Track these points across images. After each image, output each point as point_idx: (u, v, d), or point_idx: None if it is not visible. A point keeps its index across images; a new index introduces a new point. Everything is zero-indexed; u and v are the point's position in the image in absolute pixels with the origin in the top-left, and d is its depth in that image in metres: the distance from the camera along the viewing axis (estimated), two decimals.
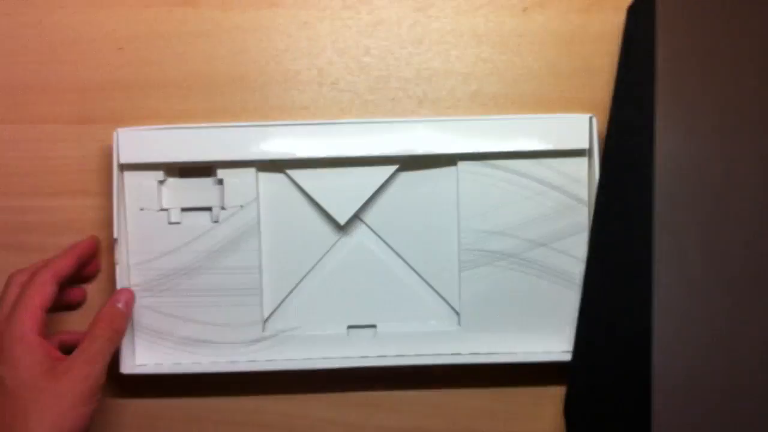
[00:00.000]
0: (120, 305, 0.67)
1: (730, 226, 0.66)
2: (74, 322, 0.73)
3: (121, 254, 0.69)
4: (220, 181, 0.69)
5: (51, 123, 0.71)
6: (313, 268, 0.71)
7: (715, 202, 0.66)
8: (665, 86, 0.67)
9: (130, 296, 0.68)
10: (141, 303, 0.70)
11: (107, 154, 0.69)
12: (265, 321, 0.71)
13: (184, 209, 0.70)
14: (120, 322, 0.66)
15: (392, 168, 0.69)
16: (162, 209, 0.70)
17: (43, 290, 0.64)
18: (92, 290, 0.72)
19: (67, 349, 0.65)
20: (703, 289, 0.66)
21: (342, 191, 0.70)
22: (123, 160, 0.68)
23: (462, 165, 0.69)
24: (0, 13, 0.71)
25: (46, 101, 0.71)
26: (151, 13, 0.71)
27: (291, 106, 0.72)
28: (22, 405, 0.59)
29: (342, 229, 0.71)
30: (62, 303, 0.71)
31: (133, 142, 0.68)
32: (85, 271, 0.72)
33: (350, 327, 0.72)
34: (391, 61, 0.72)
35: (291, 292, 0.71)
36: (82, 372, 0.61)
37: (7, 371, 0.61)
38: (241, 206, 0.69)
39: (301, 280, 0.71)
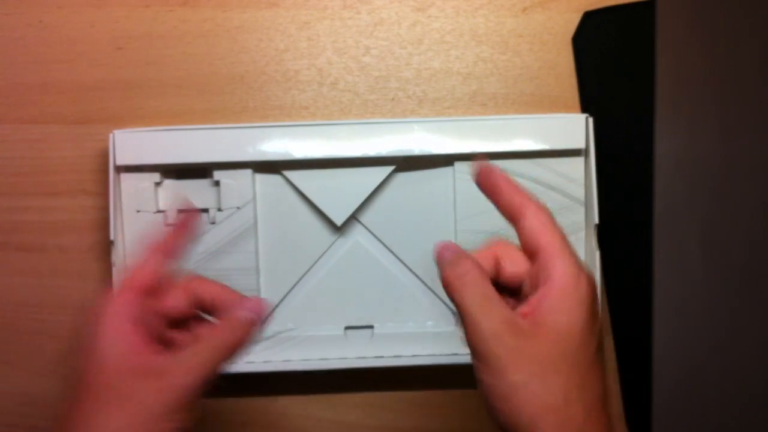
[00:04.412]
0: (250, 315, 0.54)
1: (729, 226, 0.66)
2: None
3: (118, 256, 0.69)
4: (217, 183, 0.69)
5: (50, 123, 0.71)
6: (310, 269, 0.71)
7: (715, 202, 0.66)
8: (665, 86, 0.67)
9: (262, 309, 0.55)
10: None
11: (107, 155, 0.69)
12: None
13: (180, 211, 0.70)
14: (243, 333, 0.53)
15: (389, 169, 0.69)
16: (159, 211, 0.70)
17: (144, 268, 0.54)
18: (89, 291, 0.72)
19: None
20: (703, 289, 0.66)
21: (338, 192, 0.69)
22: (119, 162, 0.68)
23: (458, 165, 0.69)
24: (0, 13, 0.71)
25: (46, 101, 0.71)
26: (151, 13, 0.71)
27: (291, 106, 0.71)
28: (100, 408, 0.49)
29: (339, 230, 0.71)
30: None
31: (130, 144, 0.68)
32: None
33: (347, 328, 0.72)
34: (391, 61, 0.71)
35: (288, 293, 0.71)
36: (177, 381, 0.50)
37: (90, 365, 0.50)
38: (238, 208, 0.69)
39: (298, 282, 0.71)
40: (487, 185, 0.55)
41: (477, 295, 0.49)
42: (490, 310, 0.49)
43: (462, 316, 0.49)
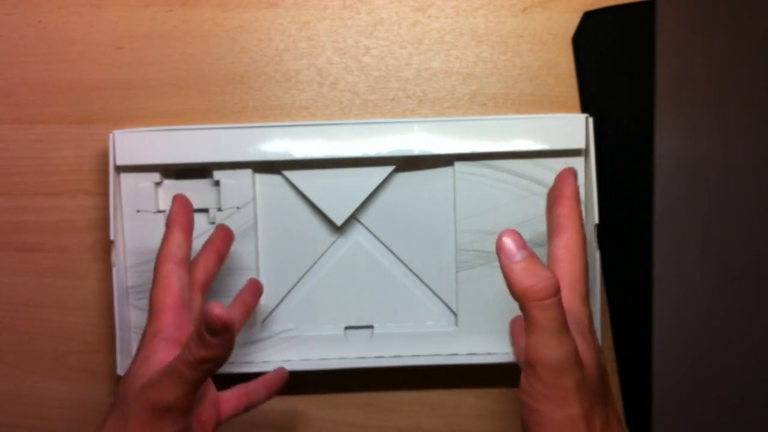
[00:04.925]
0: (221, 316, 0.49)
1: (729, 226, 0.66)
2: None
3: (118, 256, 0.69)
4: (217, 183, 0.69)
5: (50, 123, 0.71)
6: (310, 269, 0.71)
7: (715, 202, 0.65)
8: (665, 86, 0.67)
9: (226, 317, 0.50)
10: (138, 305, 0.70)
11: (107, 155, 0.69)
12: (263, 322, 0.71)
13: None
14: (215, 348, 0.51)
15: (389, 169, 0.69)
16: (159, 211, 0.70)
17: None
18: (89, 291, 0.72)
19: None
20: (703, 289, 0.66)
21: (338, 192, 0.69)
22: (119, 162, 0.68)
23: (458, 165, 0.69)
24: (0, 13, 0.71)
25: (46, 101, 0.71)
26: (151, 13, 0.71)
27: (291, 106, 0.71)
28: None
29: (339, 230, 0.71)
30: None
31: (130, 144, 0.68)
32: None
33: (347, 328, 0.72)
34: (391, 61, 0.71)
35: (288, 293, 0.71)
36: (153, 394, 0.52)
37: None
38: (238, 208, 0.69)
39: (298, 282, 0.71)
40: (558, 187, 0.57)
41: (558, 320, 0.48)
42: (566, 340, 0.48)
43: (532, 336, 0.48)
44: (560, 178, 0.57)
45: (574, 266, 0.53)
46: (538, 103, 0.71)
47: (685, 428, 0.67)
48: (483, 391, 0.73)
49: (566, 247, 0.54)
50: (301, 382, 0.73)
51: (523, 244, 0.49)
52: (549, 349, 0.47)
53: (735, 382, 0.66)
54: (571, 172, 0.57)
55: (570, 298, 0.52)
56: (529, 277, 0.48)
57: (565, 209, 0.55)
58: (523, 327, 0.51)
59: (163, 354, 0.55)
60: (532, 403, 0.49)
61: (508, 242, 0.49)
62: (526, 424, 0.50)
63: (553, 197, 0.57)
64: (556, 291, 0.48)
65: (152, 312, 0.58)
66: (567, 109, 0.71)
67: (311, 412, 0.74)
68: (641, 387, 0.70)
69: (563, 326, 0.48)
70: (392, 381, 0.73)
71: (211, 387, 0.60)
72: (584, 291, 0.54)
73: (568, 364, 0.47)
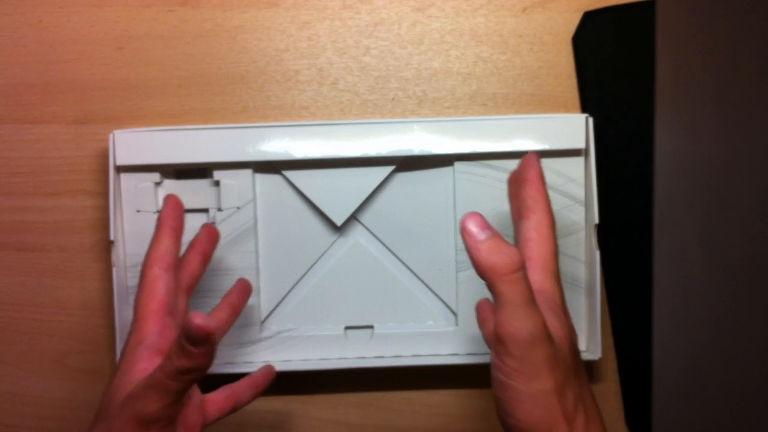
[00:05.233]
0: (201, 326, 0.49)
1: (729, 226, 0.66)
2: None
3: (118, 256, 0.69)
4: (217, 183, 0.69)
5: (50, 123, 0.71)
6: (310, 269, 0.71)
7: (715, 202, 0.65)
8: (665, 86, 0.67)
9: (207, 326, 0.49)
10: None
11: (107, 155, 0.69)
12: (263, 322, 0.71)
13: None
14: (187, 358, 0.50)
15: (389, 168, 0.69)
16: (159, 211, 0.69)
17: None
18: (89, 291, 0.72)
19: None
20: (703, 289, 0.66)
21: (339, 192, 0.69)
22: (119, 162, 0.68)
23: (458, 165, 0.69)
24: (0, 13, 0.71)
25: (46, 101, 0.71)
26: (151, 13, 0.71)
27: (291, 106, 0.71)
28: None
29: (339, 230, 0.71)
30: None
31: (129, 144, 0.68)
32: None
33: (347, 328, 0.72)
34: (391, 61, 0.71)
35: (288, 293, 0.71)
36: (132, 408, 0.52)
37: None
38: (238, 208, 0.69)
39: (298, 282, 0.71)
40: (522, 171, 0.57)
41: (525, 294, 0.48)
42: (534, 313, 0.48)
43: (501, 311, 0.48)
44: (524, 162, 0.58)
45: (544, 247, 0.54)
46: (538, 103, 0.71)
47: (685, 428, 0.67)
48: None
49: (536, 229, 0.54)
50: (301, 382, 0.73)
51: (486, 225, 0.49)
52: (518, 322, 0.48)
53: (735, 382, 0.66)
54: (535, 156, 0.58)
55: (542, 279, 0.53)
56: (494, 255, 0.48)
57: (532, 191, 0.56)
58: (488, 309, 0.54)
59: (146, 363, 0.54)
60: (504, 379, 0.49)
61: (472, 224, 0.49)
62: (499, 401, 0.50)
63: (517, 182, 0.58)
64: (521, 266, 0.48)
65: (136, 318, 0.58)
66: (567, 109, 0.71)
67: (311, 412, 0.74)
68: (641, 387, 0.70)
69: (531, 300, 0.48)
70: (392, 381, 0.73)
71: (196, 390, 0.60)
72: (556, 270, 0.55)
73: (539, 337, 0.48)
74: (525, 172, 0.57)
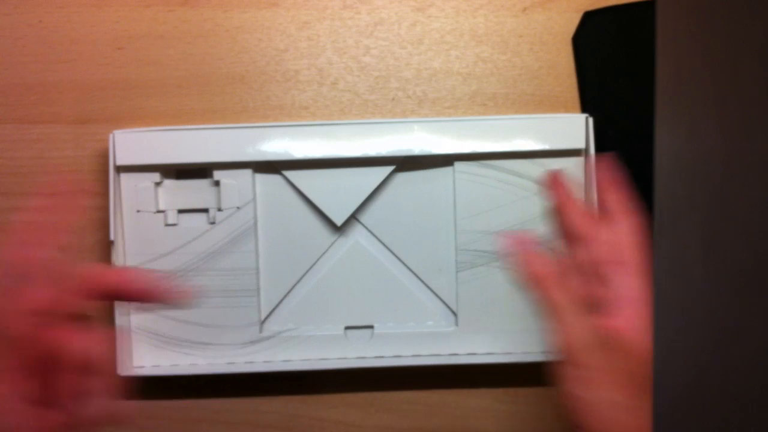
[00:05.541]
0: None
1: (730, 226, 0.65)
2: None
3: (118, 256, 0.69)
4: (217, 183, 0.69)
5: (50, 123, 0.71)
6: (310, 269, 0.71)
7: (715, 202, 0.65)
8: (665, 86, 0.67)
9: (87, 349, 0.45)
10: (138, 305, 0.70)
11: (107, 155, 0.69)
12: (263, 322, 0.71)
13: (180, 211, 0.70)
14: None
15: (389, 169, 0.69)
16: (159, 211, 0.70)
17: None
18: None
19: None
20: (704, 289, 0.65)
21: (339, 192, 0.69)
22: (119, 162, 0.68)
23: (458, 165, 0.69)
24: (0, 13, 0.71)
25: (46, 101, 0.71)
26: (151, 13, 0.71)
27: (291, 106, 0.71)
28: None
29: (339, 229, 0.71)
30: None
31: (130, 144, 0.68)
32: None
33: (347, 328, 0.72)
34: (391, 61, 0.71)
35: (288, 293, 0.71)
36: None
37: None
38: (238, 208, 0.69)
39: (299, 282, 0.71)
40: (603, 177, 0.55)
41: (568, 299, 0.49)
42: (581, 318, 0.48)
43: (553, 318, 0.49)
44: (596, 166, 0.57)
45: (638, 251, 0.52)
46: (538, 103, 0.71)
47: (685, 429, 0.67)
48: (483, 391, 0.73)
49: (627, 233, 0.52)
50: (302, 382, 0.73)
51: (528, 239, 0.52)
52: (573, 327, 0.48)
53: (736, 383, 0.66)
54: (605, 160, 0.56)
55: (638, 285, 0.50)
56: (538, 264, 0.51)
57: (615, 194, 0.54)
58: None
59: None
60: (568, 388, 0.48)
61: (512, 237, 0.52)
62: (571, 413, 0.48)
63: (554, 184, 0.56)
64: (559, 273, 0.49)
65: None
66: (567, 109, 0.71)
67: (311, 412, 0.74)
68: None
69: (577, 306, 0.49)
70: (392, 381, 0.73)
71: None
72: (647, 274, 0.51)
73: (592, 344, 0.48)
74: (600, 176, 0.55)
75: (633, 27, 0.69)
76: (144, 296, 0.47)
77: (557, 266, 0.49)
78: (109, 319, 0.70)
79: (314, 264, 0.71)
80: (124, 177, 0.69)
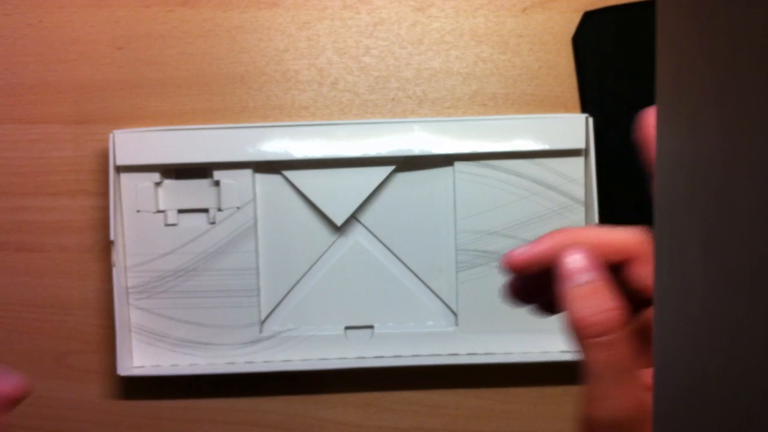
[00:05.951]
0: None
1: (730, 226, 0.65)
2: None
3: (118, 256, 0.69)
4: (217, 183, 0.69)
5: (50, 123, 0.71)
6: (310, 269, 0.71)
7: (715, 201, 0.65)
8: (665, 86, 0.66)
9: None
10: (138, 305, 0.70)
11: (107, 154, 0.69)
12: (263, 322, 0.71)
13: (180, 211, 0.70)
14: None
15: (389, 169, 0.69)
16: (159, 211, 0.70)
17: None
18: (89, 291, 0.72)
19: None
20: (704, 289, 0.65)
21: (339, 192, 0.69)
22: (119, 162, 0.68)
23: (458, 165, 0.69)
24: (0, 13, 0.71)
25: (46, 101, 0.71)
26: (151, 13, 0.71)
27: (291, 106, 0.71)
28: None
29: (339, 230, 0.71)
30: None
31: (130, 144, 0.68)
32: None
33: (347, 328, 0.72)
34: (391, 61, 0.71)
35: (288, 293, 0.71)
36: None
37: None
38: (238, 208, 0.69)
39: (298, 282, 0.71)
40: None
41: (618, 364, 0.37)
42: (627, 389, 0.36)
43: (587, 383, 0.37)
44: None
45: None
46: (538, 103, 0.71)
47: (685, 429, 0.67)
48: (483, 391, 0.73)
49: None
50: (301, 382, 0.73)
51: (591, 266, 0.38)
52: (605, 401, 0.36)
53: (737, 383, 0.66)
54: None
55: None
56: (585, 306, 0.37)
57: None
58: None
59: None
60: None
61: (572, 262, 0.38)
62: None
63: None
64: (620, 325, 0.36)
65: None
66: (567, 109, 0.71)
67: (311, 412, 0.74)
68: None
69: (625, 371, 0.37)
70: (392, 381, 0.73)
71: None
72: None
73: (630, 421, 0.36)
74: None
75: (633, 27, 0.69)
76: None
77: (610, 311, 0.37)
78: (109, 318, 0.71)
79: (314, 264, 0.71)
80: (124, 177, 0.69)
